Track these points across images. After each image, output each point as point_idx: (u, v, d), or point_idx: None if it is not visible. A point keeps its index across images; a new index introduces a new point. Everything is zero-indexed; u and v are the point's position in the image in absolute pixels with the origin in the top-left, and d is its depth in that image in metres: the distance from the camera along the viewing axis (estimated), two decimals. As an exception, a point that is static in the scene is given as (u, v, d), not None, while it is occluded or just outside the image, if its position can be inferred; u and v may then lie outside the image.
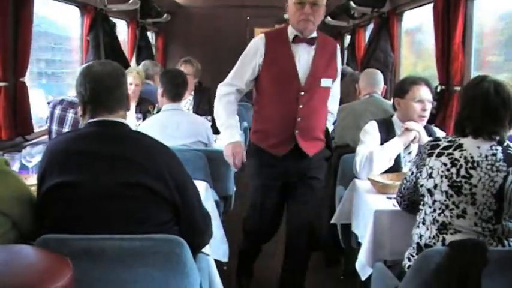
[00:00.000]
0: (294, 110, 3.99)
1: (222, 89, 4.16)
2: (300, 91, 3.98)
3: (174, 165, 2.75)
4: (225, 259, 3.84)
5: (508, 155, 2.78)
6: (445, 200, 2.83)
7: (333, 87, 4.23)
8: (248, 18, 11.79)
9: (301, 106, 3.98)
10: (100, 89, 2.71)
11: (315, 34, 4.07)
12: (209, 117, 5.58)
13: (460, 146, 2.84)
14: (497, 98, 2.80)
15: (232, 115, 4.17)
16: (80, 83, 2.75)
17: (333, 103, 4.35)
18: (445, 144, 2.90)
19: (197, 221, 2.87)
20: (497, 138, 2.82)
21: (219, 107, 4.15)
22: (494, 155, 2.78)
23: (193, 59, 6.56)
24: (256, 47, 4.09)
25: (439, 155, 2.88)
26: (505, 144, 2.82)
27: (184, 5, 11.69)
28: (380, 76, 5.42)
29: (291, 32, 4.05)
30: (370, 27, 8.58)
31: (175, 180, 2.69)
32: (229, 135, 4.10)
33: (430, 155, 2.92)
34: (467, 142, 2.84)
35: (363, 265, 3.48)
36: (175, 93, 4.76)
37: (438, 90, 5.22)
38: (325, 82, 4.08)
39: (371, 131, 4.08)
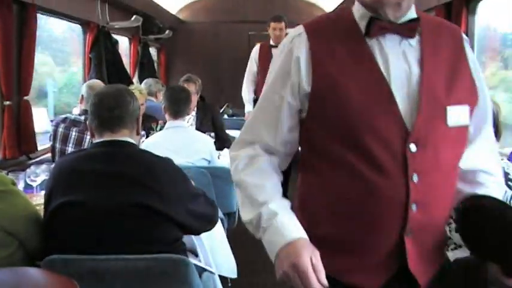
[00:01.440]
0: (399, 188, 1.81)
1: (234, 154, 2.06)
2: (407, 142, 1.80)
3: (178, 182, 2.78)
4: (233, 275, 3.82)
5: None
6: None
7: (477, 124, 1.97)
8: (250, 33, 11.81)
9: (415, 179, 1.81)
10: (100, 108, 2.78)
11: (413, 13, 1.91)
12: (212, 134, 5.59)
13: None
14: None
15: (273, 189, 1.95)
16: (89, 103, 2.84)
17: (491, 159, 2.05)
18: None
19: (209, 224, 3.00)
20: None
21: (239, 185, 2.00)
22: None
23: (192, 75, 6.52)
24: (289, 59, 1.91)
25: None
26: None
27: (186, 20, 11.73)
28: None
29: (361, 14, 1.90)
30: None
31: (183, 198, 2.74)
32: (279, 229, 1.86)
33: None
34: None
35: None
36: (175, 111, 4.76)
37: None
38: (455, 114, 1.86)
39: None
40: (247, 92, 8.11)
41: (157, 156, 2.81)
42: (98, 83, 5.04)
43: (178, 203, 2.70)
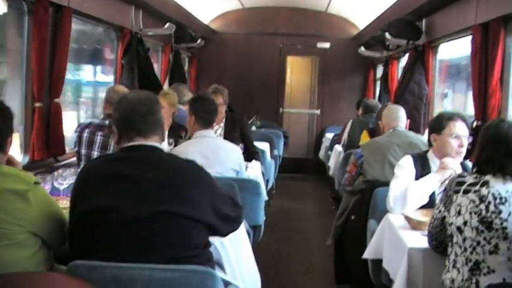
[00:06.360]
0: None
1: None
2: None
3: (208, 187, 2.78)
4: None
5: None
6: (476, 236, 2.81)
7: None
8: (281, 45, 11.81)
9: None
10: (132, 114, 2.76)
11: None
12: (241, 145, 5.56)
13: (486, 183, 2.85)
14: None
15: None
16: (114, 110, 2.83)
17: None
18: (471, 181, 2.91)
19: (234, 225, 3.04)
20: None
21: None
22: None
23: (219, 86, 6.50)
24: None
25: (466, 192, 2.88)
26: None
27: (218, 31, 11.75)
28: (402, 111, 5.45)
29: None
30: (404, 58, 8.55)
31: (210, 202, 2.74)
32: None
33: (456, 192, 2.92)
34: (492, 179, 2.86)
35: (395, 303, 3.41)
36: (208, 121, 4.74)
37: (474, 125, 5.16)
38: None
39: (406, 165, 4.02)
40: None
41: (183, 159, 2.84)
42: (122, 87, 5.04)
43: (205, 203, 2.71)
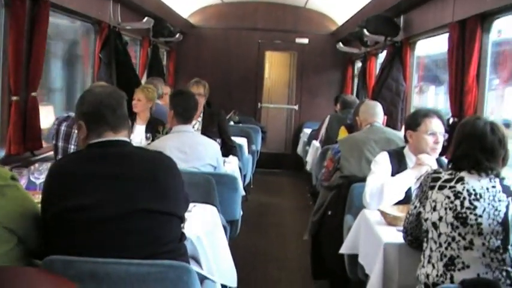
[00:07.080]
0: None
1: None
2: None
3: (180, 176, 2.81)
4: (233, 284, 3.79)
5: (505, 186, 2.88)
6: (451, 232, 2.84)
7: None
8: (260, 41, 11.80)
9: None
10: (102, 108, 2.72)
11: None
12: (218, 140, 5.55)
13: (461, 179, 2.89)
14: (493, 136, 2.90)
15: None
16: (81, 104, 2.78)
17: None
18: (446, 177, 2.94)
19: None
20: (494, 172, 2.89)
21: None
22: (494, 186, 2.86)
23: (201, 79, 6.56)
24: None
25: (441, 188, 2.91)
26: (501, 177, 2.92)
27: (197, 25, 11.71)
28: (380, 107, 5.48)
29: None
30: (382, 54, 8.59)
31: (182, 190, 2.80)
32: None
33: (431, 187, 2.95)
34: (468, 175, 2.90)
35: (370, 298, 3.44)
36: (187, 116, 4.73)
37: (450, 122, 5.19)
38: None
39: (382, 162, 4.05)
40: None
41: (153, 151, 2.89)
42: (102, 83, 5.02)
43: (179, 193, 2.75)
